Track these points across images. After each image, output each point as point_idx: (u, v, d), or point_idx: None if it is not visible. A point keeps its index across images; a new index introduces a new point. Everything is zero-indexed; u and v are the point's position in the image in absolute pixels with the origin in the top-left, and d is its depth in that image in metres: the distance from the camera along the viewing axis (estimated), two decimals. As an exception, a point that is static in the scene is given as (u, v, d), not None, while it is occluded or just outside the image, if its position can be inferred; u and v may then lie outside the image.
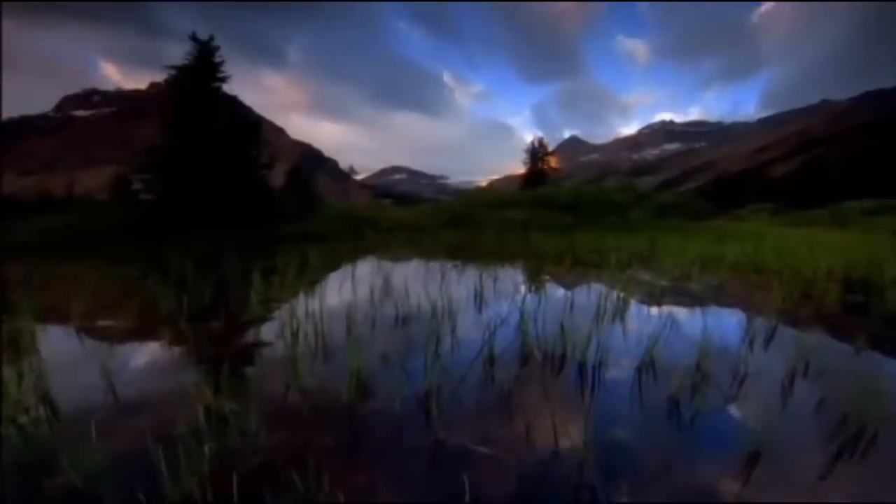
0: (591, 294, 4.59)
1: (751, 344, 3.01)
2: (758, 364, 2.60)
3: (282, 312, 3.83)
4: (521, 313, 3.24)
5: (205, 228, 16.32)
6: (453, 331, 3.18)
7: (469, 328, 3.31)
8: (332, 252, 9.71)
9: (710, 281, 5.26)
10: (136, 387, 2.31)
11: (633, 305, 4.05)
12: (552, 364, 2.58)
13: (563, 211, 21.72)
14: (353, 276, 5.89)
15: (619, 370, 2.49)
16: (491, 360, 2.62)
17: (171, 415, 1.96)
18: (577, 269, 6.73)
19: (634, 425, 1.92)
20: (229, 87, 20.94)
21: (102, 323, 3.54)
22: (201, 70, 19.30)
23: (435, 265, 6.68)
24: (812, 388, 2.34)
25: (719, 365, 2.56)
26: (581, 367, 2.52)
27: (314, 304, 4.16)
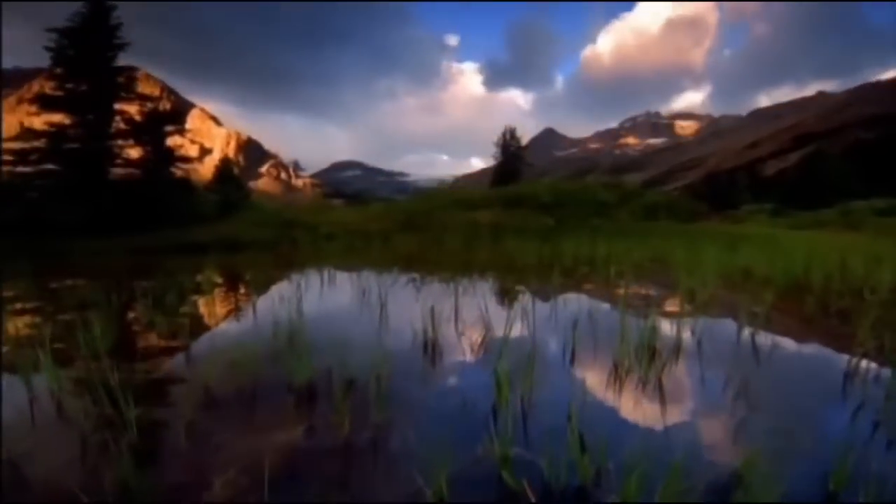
0: (596, 333, 3.54)
1: (888, 438, 2.00)
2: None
3: (100, 378, 2.58)
4: (496, 375, 2.16)
5: (96, 235, 14.59)
6: (379, 431, 2.02)
7: (407, 414, 2.17)
8: (244, 267, 8.39)
9: (751, 305, 4.30)
10: None
11: (666, 354, 3.01)
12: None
13: (541, 211, 20.96)
14: (254, 307, 4.67)
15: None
16: (438, 512, 1.48)
17: None
18: (567, 285, 5.74)
19: None
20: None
21: None
22: (92, 35, 17.37)
23: (378, 285, 5.51)
24: None
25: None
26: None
27: (170, 362, 2.94)
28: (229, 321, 4.22)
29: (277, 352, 3.03)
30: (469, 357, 3.04)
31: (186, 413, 2.20)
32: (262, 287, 6.04)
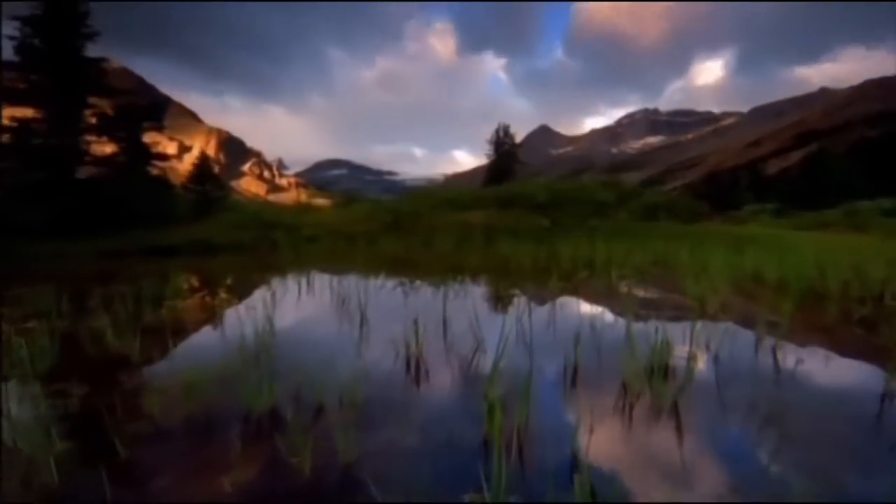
0: (601, 347, 3.30)
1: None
2: None
3: (29, 405, 2.30)
4: (488, 402, 1.92)
5: (61, 237, 14.18)
6: (346, 474, 1.76)
7: (381, 451, 1.91)
8: (216, 272, 8.07)
9: (768, 314, 4.09)
10: None
11: (680, 373, 2.78)
12: None
13: (536, 212, 20.75)
14: (221, 318, 4.39)
15: None
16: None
17: None
18: (565, 292, 5.51)
19: None
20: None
21: None
22: (58, 23, 16.89)
23: (361, 292, 5.23)
24: None
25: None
26: None
27: (115, 384, 2.66)
28: (190, 335, 3.93)
29: (240, 372, 2.75)
30: (457, 378, 2.78)
31: (121, 450, 1.92)
32: (233, 295, 5.75)
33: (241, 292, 6.00)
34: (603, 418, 2.22)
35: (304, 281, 6.55)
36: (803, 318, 4.29)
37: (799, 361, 3.03)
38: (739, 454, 1.94)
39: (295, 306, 5.04)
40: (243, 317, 4.35)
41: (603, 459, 1.83)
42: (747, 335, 3.69)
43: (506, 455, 1.68)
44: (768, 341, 3.47)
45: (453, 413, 2.29)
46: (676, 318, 4.31)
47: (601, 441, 1.99)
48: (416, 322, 3.09)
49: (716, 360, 3.06)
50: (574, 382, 2.70)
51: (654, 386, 2.50)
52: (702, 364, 2.98)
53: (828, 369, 3.00)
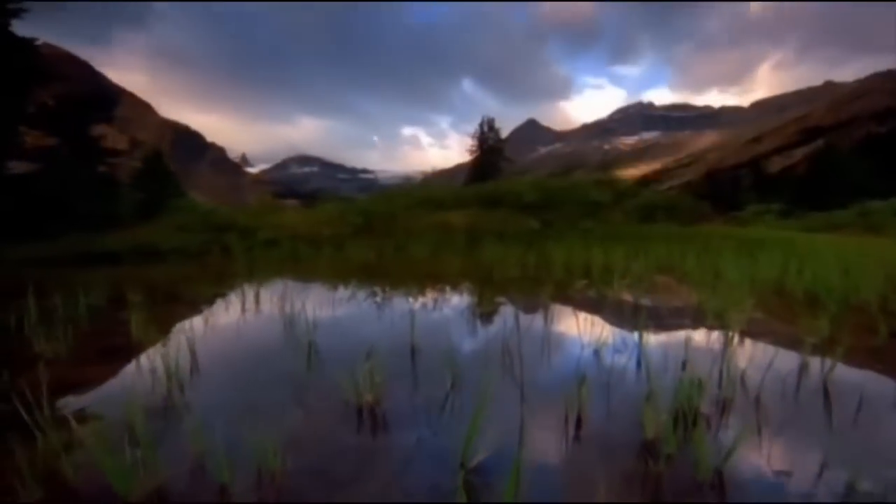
0: (610, 385, 2.82)
1: None
2: None
3: None
4: (462, 478, 1.42)
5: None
6: None
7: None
8: (150, 284, 7.46)
9: (806, 335, 3.66)
10: None
11: (716, 423, 2.32)
12: None
13: (524, 212, 20.40)
14: (134, 348, 3.83)
15: None
16: None
17: None
18: (560, 308, 5.05)
19: None
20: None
21: None
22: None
23: (315, 309, 4.68)
24: None
25: None
26: None
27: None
28: (83, 373, 3.34)
29: (131, 432, 2.19)
30: (425, 433, 2.26)
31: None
32: (159, 314, 5.15)
33: (171, 310, 5.43)
34: (622, 499, 1.73)
35: (251, 295, 5.99)
36: (847, 340, 3.87)
37: (859, 401, 2.58)
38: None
39: (233, 330, 4.47)
40: (162, 344, 3.79)
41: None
42: (787, 363, 3.24)
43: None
44: (813, 369, 3.04)
45: (415, 493, 1.77)
46: (697, 342, 3.87)
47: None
48: (368, 358, 2.58)
49: (756, 401, 2.59)
50: (577, 436, 2.22)
51: (687, 445, 2.02)
52: (742, 408, 2.51)
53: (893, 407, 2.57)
